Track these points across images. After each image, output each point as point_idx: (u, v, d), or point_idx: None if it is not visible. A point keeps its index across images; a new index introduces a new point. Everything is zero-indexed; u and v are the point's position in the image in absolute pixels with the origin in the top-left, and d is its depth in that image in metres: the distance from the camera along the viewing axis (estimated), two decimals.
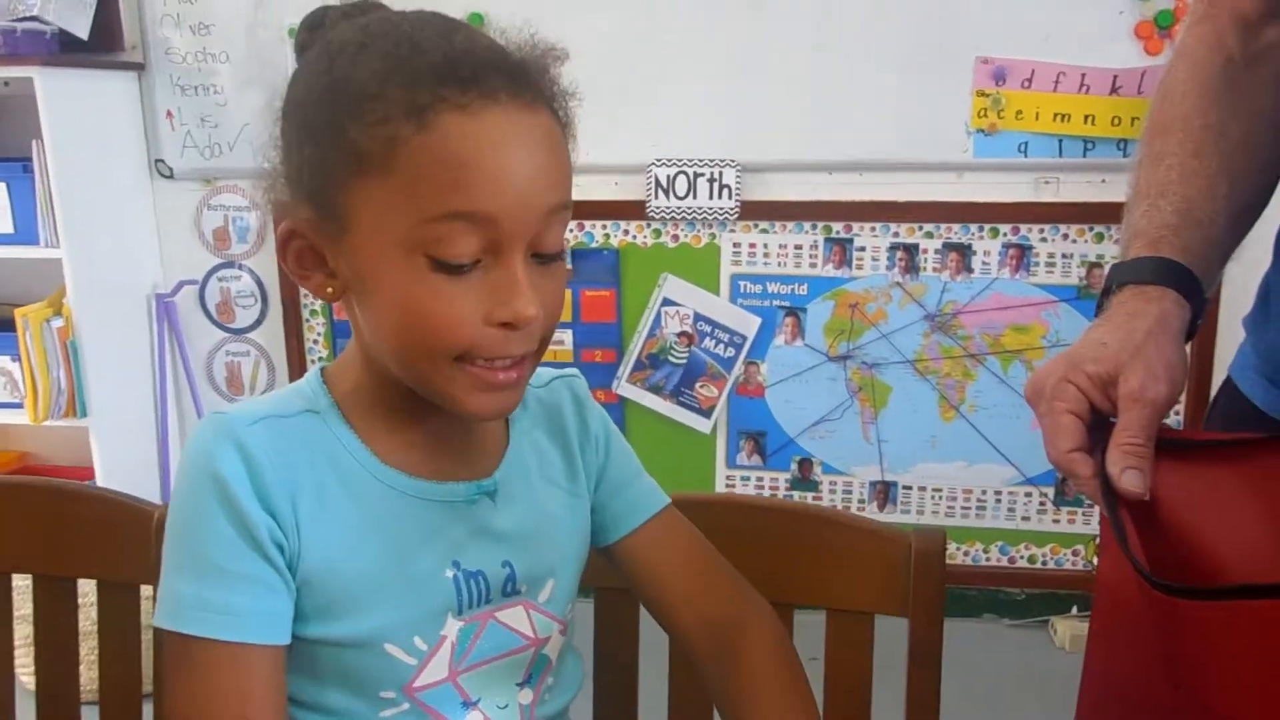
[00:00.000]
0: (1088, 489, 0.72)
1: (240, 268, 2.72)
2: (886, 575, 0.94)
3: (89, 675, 1.11)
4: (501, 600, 0.78)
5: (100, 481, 2.57)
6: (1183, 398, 2.35)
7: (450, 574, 0.75)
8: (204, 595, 0.68)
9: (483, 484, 0.78)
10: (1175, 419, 2.24)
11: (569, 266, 2.51)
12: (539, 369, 0.84)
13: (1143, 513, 0.72)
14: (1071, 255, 2.36)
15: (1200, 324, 0.80)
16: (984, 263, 2.39)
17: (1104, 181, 2.30)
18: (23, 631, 1.11)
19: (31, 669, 1.12)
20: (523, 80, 0.68)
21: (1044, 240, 2.36)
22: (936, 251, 2.40)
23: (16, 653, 1.13)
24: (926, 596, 0.93)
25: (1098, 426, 0.73)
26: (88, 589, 1.10)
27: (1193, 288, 0.78)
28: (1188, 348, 0.77)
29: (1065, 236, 2.36)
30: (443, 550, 0.76)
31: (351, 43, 0.67)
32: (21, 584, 1.11)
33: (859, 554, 0.96)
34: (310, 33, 0.72)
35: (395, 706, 0.75)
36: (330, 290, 0.71)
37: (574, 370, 0.90)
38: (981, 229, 2.38)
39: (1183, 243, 0.80)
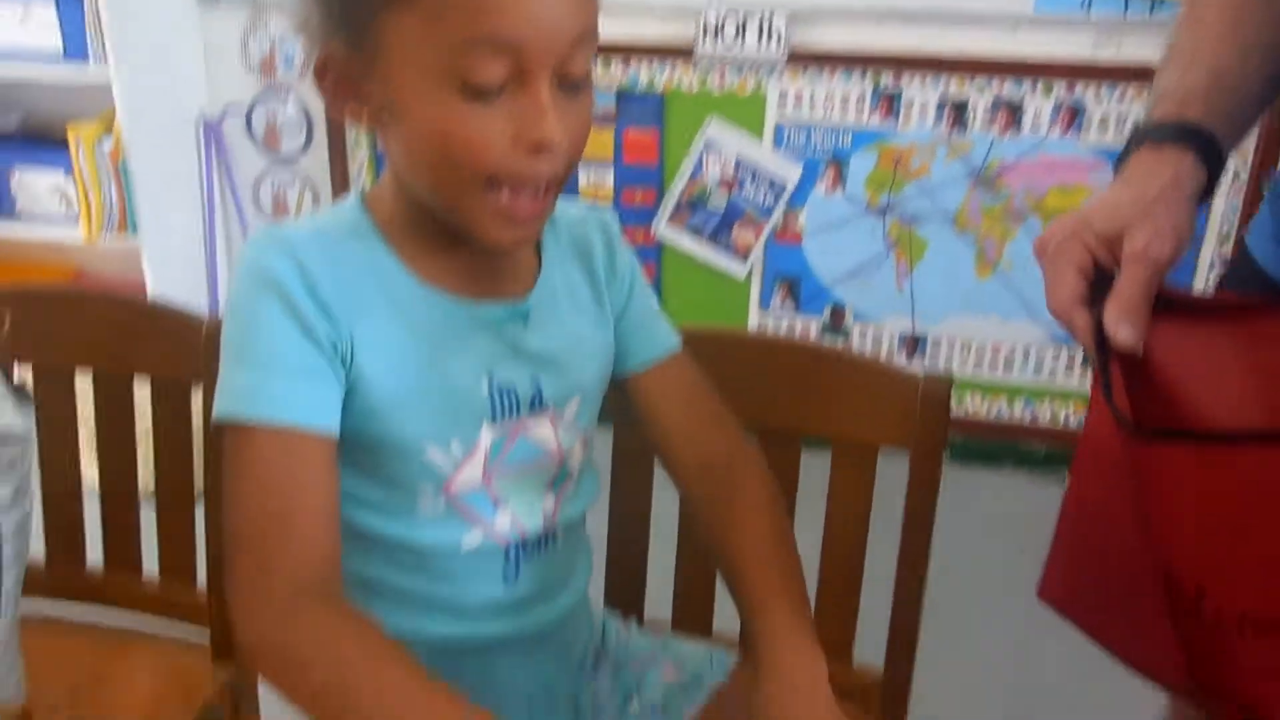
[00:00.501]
0: (1084, 341, 0.75)
1: (286, 95, 2.73)
2: (894, 412, 0.99)
3: (145, 474, 1.20)
4: (530, 414, 0.83)
5: (151, 295, 2.66)
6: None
7: (485, 386, 0.80)
8: (262, 383, 0.73)
9: (516, 306, 0.82)
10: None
11: (613, 108, 2.50)
12: (574, 203, 0.89)
13: (1135, 367, 0.74)
14: (1126, 118, 2.31)
15: (1216, 187, 0.81)
16: (1034, 122, 2.34)
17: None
18: (85, 434, 1.19)
19: (95, 466, 1.20)
20: None
21: (1099, 101, 2.31)
22: (986, 108, 2.36)
23: (81, 454, 1.22)
24: (930, 433, 0.98)
25: (1101, 282, 0.75)
26: (142, 399, 1.17)
27: (1212, 151, 0.78)
28: (1215, 210, 0.78)
29: (1122, 98, 2.30)
30: (478, 364, 0.80)
31: None
32: (83, 388, 1.19)
33: (868, 391, 1.00)
34: None
35: (433, 505, 0.81)
36: (364, 117, 0.74)
37: (606, 208, 0.94)
38: (1035, 86, 2.32)
39: (1208, 107, 0.80)
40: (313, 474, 0.73)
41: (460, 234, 0.76)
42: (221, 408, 0.74)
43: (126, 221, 2.58)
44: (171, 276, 2.70)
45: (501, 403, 0.81)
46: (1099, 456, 0.78)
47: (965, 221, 2.45)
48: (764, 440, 1.05)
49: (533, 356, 0.83)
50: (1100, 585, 0.81)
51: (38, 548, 1.12)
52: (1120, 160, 0.82)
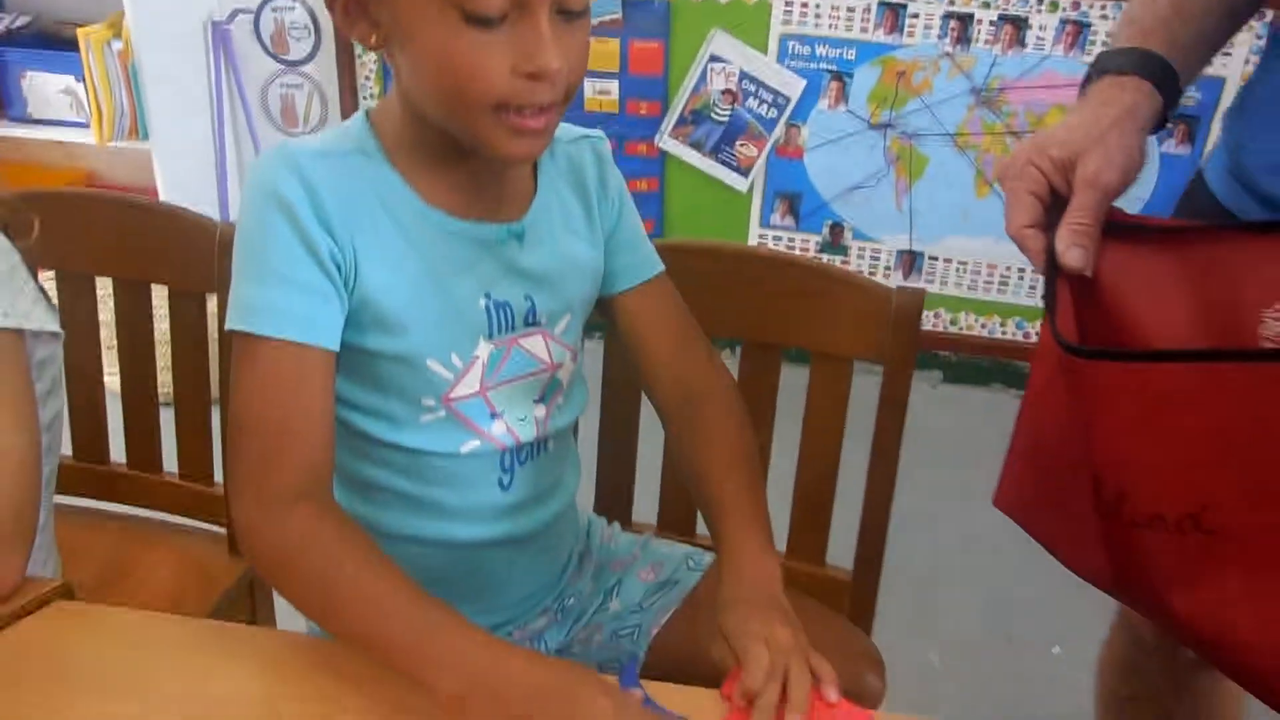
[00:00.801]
0: (1037, 262, 0.80)
1: None
2: (868, 324, 1.04)
3: (164, 380, 1.25)
4: (524, 329, 0.88)
5: (163, 199, 2.70)
6: None
7: (482, 303, 0.85)
8: (269, 299, 0.77)
9: (512, 226, 0.87)
10: None
11: (619, 16, 2.50)
12: (569, 127, 0.93)
13: (1085, 288, 0.80)
14: None
15: (1173, 114, 0.85)
16: (1039, 38, 2.35)
17: None
18: (106, 338, 1.24)
19: (116, 372, 1.26)
20: None
21: (1104, 18, 2.30)
22: (991, 23, 2.35)
23: (104, 359, 1.27)
24: (901, 346, 1.03)
25: (1057, 206, 0.80)
26: (159, 302, 1.22)
27: (1169, 81, 0.82)
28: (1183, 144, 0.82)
29: None
30: (476, 282, 0.85)
31: None
32: (102, 292, 1.24)
33: (845, 304, 1.05)
34: None
35: (434, 413, 0.86)
36: (374, 39, 0.77)
37: (599, 132, 0.97)
38: (1041, 2, 2.32)
39: (1169, 37, 0.83)
40: (310, 387, 0.78)
41: (471, 149, 0.80)
42: (231, 319, 0.79)
43: (137, 125, 2.61)
44: (182, 180, 2.74)
45: (498, 319, 0.86)
46: (1046, 372, 0.84)
47: (965, 140, 2.46)
48: (746, 350, 1.11)
49: (527, 275, 0.88)
50: (1044, 492, 0.87)
51: (65, 448, 1.18)
52: (1084, 85, 0.86)
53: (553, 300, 0.90)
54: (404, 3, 0.73)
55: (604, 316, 0.99)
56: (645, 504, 1.20)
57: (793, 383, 1.11)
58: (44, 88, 2.63)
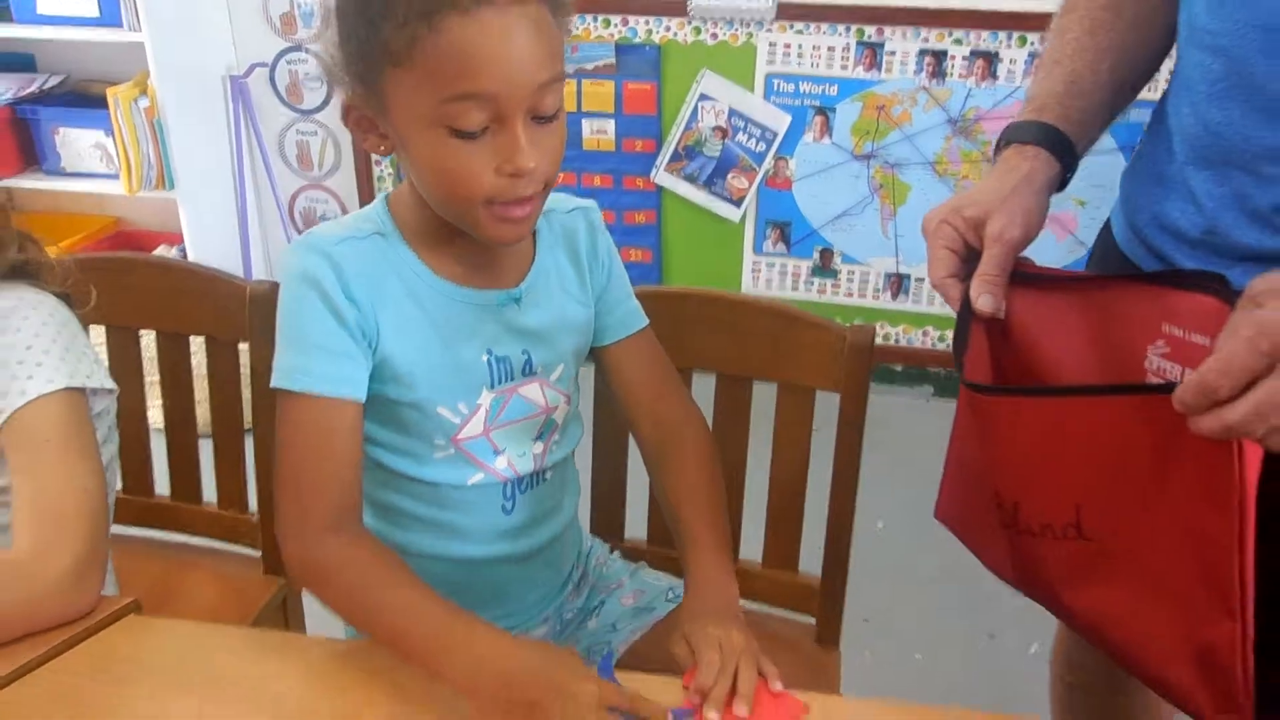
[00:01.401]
0: (954, 307, 0.93)
1: (306, 51, 2.89)
2: (826, 358, 1.17)
3: (202, 413, 1.39)
4: (522, 379, 1.02)
5: (188, 245, 2.86)
6: None
7: (485, 358, 0.99)
8: (306, 364, 0.91)
9: (511, 292, 1.00)
10: None
11: (613, 61, 2.65)
12: (566, 198, 1.07)
13: (998, 330, 0.93)
14: None
15: (1070, 177, 0.98)
16: (1009, 70, 2.48)
17: None
18: (149, 379, 1.39)
19: (159, 405, 1.40)
20: None
21: None
22: (964, 58, 2.49)
23: (147, 397, 1.42)
24: (856, 377, 1.16)
25: (971, 259, 0.93)
26: (197, 347, 1.37)
27: (1064, 149, 0.95)
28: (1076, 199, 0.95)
29: None
30: (480, 341, 0.99)
31: None
32: (145, 342, 1.38)
33: (805, 341, 1.18)
34: None
35: (445, 451, 1.00)
36: (383, 148, 0.91)
37: (591, 202, 1.10)
38: (1010, 36, 2.45)
39: (1064, 110, 0.96)
40: (342, 434, 0.92)
41: (468, 235, 0.94)
42: (276, 380, 0.92)
43: (164, 175, 2.77)
44: (206, 224, 2.90)
45: (499, 371, 1.00)
46: (959, 406, 0.97)
47: (945, 166, 2.60)
48: (721, 383, 1.24)
49: (525, 332, 1.01)
50: (965, 505, 1.01)
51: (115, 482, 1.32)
52: (996, 152, 0.99)
53: (548, 353, 1.03)
54: (400, 124, 0.86)
55: (594, 364, 1.12)
56: (637, 523, 1.33)
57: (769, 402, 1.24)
58: (76, 142, 2.79)
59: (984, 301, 0.89)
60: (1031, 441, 0.85)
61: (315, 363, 0.91)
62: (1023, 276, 0.93)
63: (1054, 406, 0.84)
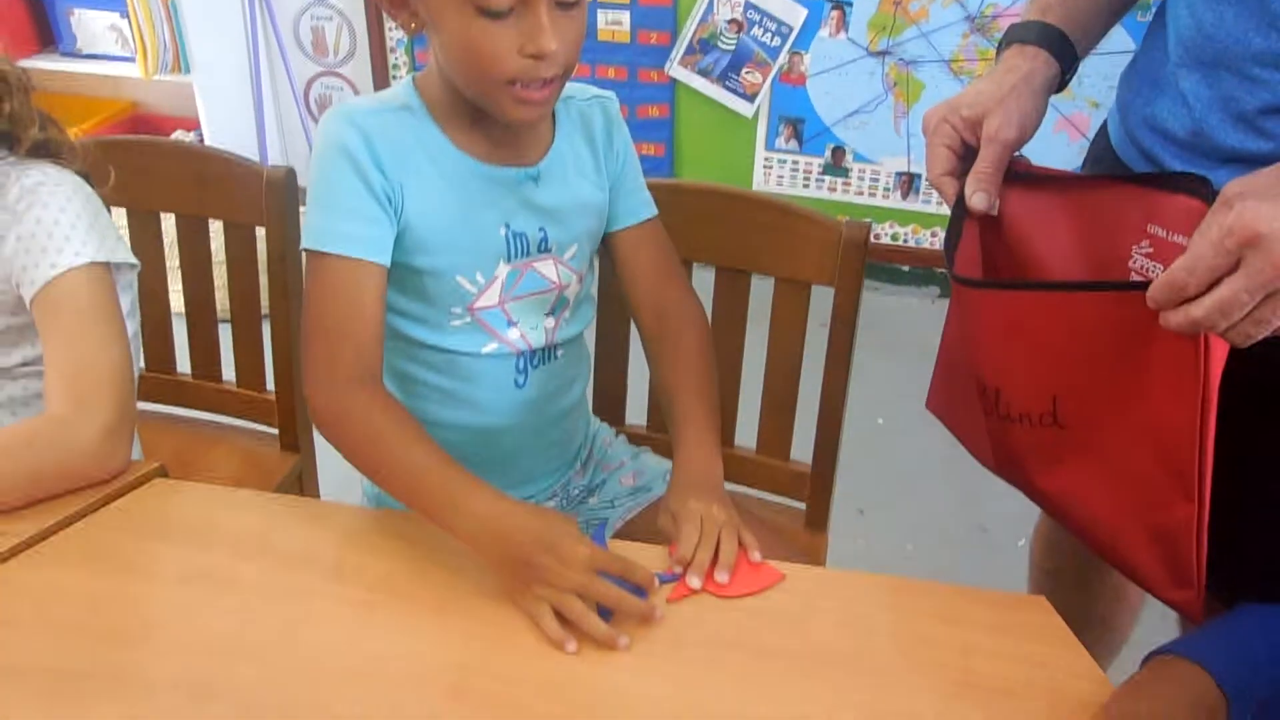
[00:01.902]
0: (949, 203, 0.96)
1: None
2: (822, 253, 1.21)
3: (221, 298, 1.44)
4: (538, 254, 1.06)
5: (204, 130, 2.88)
6: None
7: (502, 231, 1.04)
8: (335, 225, 0.96)
9: (529, 170, 1.04)
10: None
11: None
12: (585, 87, 1.12)
13: (991, 226, 0.97)
14: None
15: (1070, 78, 1.00)
16: None
17: None
18: (170, 264, 1.43)
19: (180, 291, 1.45)
20: None
21: None
22: None
23: (169, 281, 1.46)
24: (850, 271, 1.19)
25: (969, 156, 0.96)
26: (215, 230, 1.41)
27: (1065, 51, 0.97)
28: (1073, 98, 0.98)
29: None
30: (498, 214, 1.03)
31: None
32: (165, 226, 1.43)
33: (804, 236, 1.21)
34: None
35: (461, 319, 1.05)
36: (413, 26, 0.95)
37: (610, 94, 1.14)
38: None
39: (1065, 11, 0.98)
40: (367, 293, 0.98)
41: (490, 114, 0.98)
42: (306, 241, 0.98)
43: (179, 59, 2.77)
44: (221, 109, 2.91)
45: (515, 245, 1.05)
46: (952, 299, 1.01)
47: (960, 65, 2.57)
48: (720, 275, 1.28)
49: (542, 210, 1.06)
50: (952, 394, 1.05)
51: (138, 360, 1.37)
52: (998, 52, 1.01)
53: (563, 232, 1.07)
54: (435, 3, 0.90)
55: (602, 248, 1.17)
56: (637, 410, 1.38)
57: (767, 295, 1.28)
58: (91, 24, 2.79)
59: (977, 199, 0.93)
60: (1013, 334, 0.89)
61: (344, 225, 0.96)
62: (1017, 175, 0.96)
63: (1035, 300, 0.88)
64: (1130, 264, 0.92)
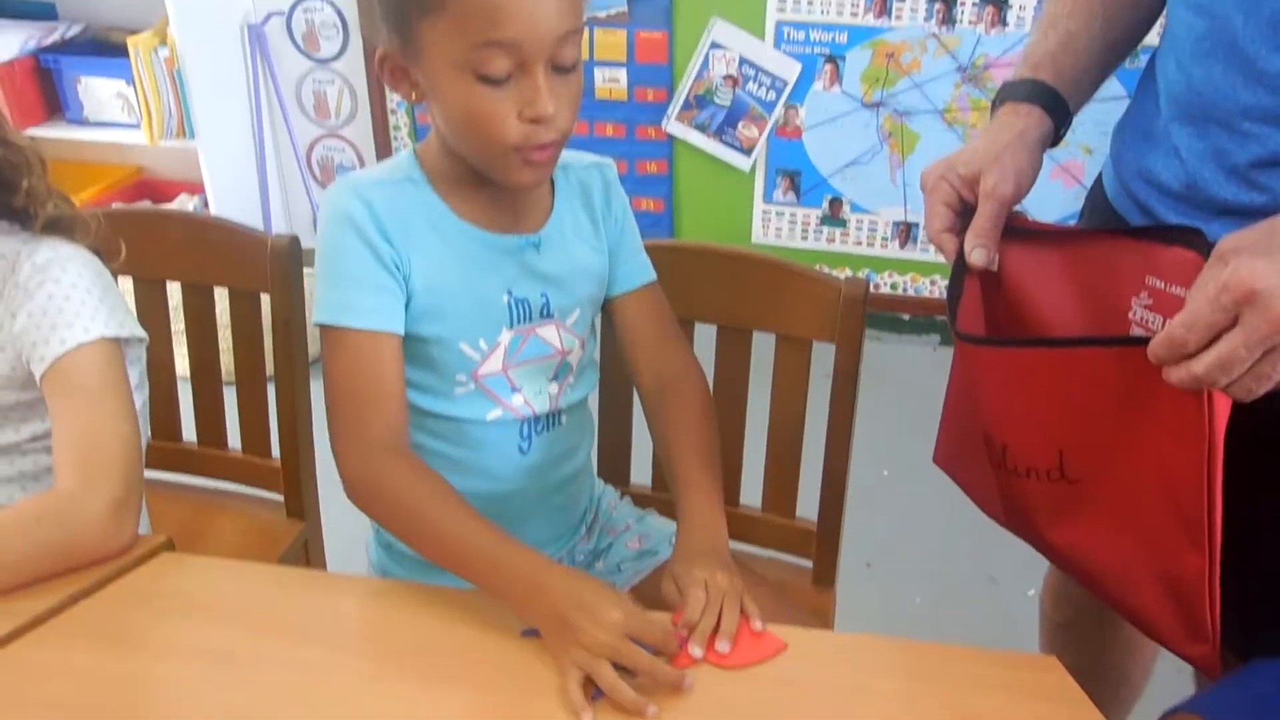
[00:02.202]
0: (949, 260, 0.97)
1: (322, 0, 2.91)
2: (821, 310, 1.21)
3: (225, 361, 1.45)
4: (540, 320, 1.07)
5: (209, 194, 2.90)
6: None
7: (505, 298, 1.05)
8: (349, 299, 0.98)
9: (530, 237, 1.06)
10: None
11: (625, 10, 2.66)
12: (583, 154, 1.13)
13: (992, 282, 0.98)
14: None
15: (1064, 134, 1.02)
16: (1019, 16, 2.48)
17: None
18: (175, 327, 1.44)
19: (185, 355, 1.46)
20: None
21: None
22: (974, 4, 2.49)
23: (174, 346, 1.47)
24: (850, 328, 1.20)
25: (967, 213, 0.97)
26: (220, 296, 1.42)
27: (1058, 106, 0.99)
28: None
29: None
30: (501, 281, 1.05)
31: None
32: (171, 291, 1.44)
33: (803, 294, 1.22)
34: None
35: (465, 386, 1.06)
36: (414, 95, 0.97)
37: (608, 160, 1.16)
38: None
39: (1057, 68, 1.00)
40: (388, 363, 0.99)
41: (491, 180, 1.00)
42: (320, 316, 0.99)
43: (184, 124, 2.81)
44: (226, 172, 2.95)
45: (518, 311, 1.06)
46: (955, 355, 1.02)
47: (954, 115, 2.61)
48: (721, 334, 1.29)
49: (543, 276, 1.07)
50: (960, 449, 1.06)
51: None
52: (993, 109, 1.03)
53: (565, 297, 1.08)
54: (432, 70, 0.92)
55: (603, 313, 1.18)
56: (641, 471, 1.38)
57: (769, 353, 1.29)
58: (97, 91, 2.83)
59: (977, 255, 0.94)
60: (1017, 389, 0.90)
61: (356, 297, 0.98)
62: (1016, 230, 0.97)
63: (1038, 356, 0.89)
64: (1130, 315, 0.93)
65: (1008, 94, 1.01)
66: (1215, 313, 0.73)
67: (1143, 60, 1.06)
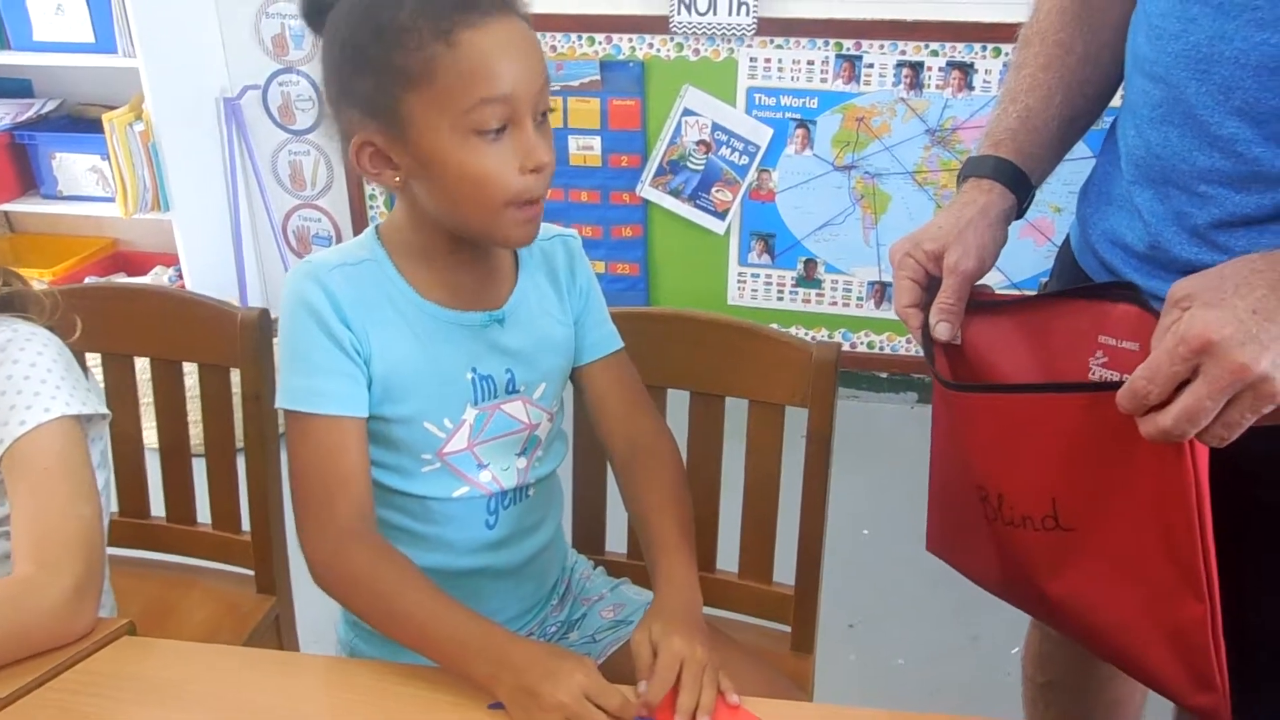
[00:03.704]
0: (916, 335, 0.98)
1: (298, 73, 2.94)
2: (794, 374, 1.21)
3: (195, 433, 1.44)
4: (505, 396, 1.07)
5: (183, 266, 2.91)
6: None
7: (469, 376, 1.04)
8: (310, 384, 0.97)
9: (494, 313, 1.05)
10: None
11: (598, 78, 2.70)
12: (547, 226, 1.12)
13: (956, 353, 0.98)
14: None
15: (1027, 207, 1.03)
16: (985, 81, 2.53)
17: None
18: (144, 399, 1.43)
19: (154, 431, 1.44)
20: (503, 1, 0.92)
21: None
22: (940, 69, 2.54)
23: (143, 419, 1.46)
24: (822, 391, 1.20)
25: (933, 287, 0.98)
26: (190, 369, 1.41)
27: (1020, 182, 1.00)
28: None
29: None
30: (464, 359, 1.04)
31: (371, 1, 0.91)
32: (140, 365, 1.43)
33: (774, 359, 1.22)
34: (320, 14, 0.95)
35: (430, 465, 1.05)
36: (397, 180, 0.96)
37: (572, 231, 1.16)
38: (985, 48, 2.50)
39: (1017, 144, 1.01)
40: (352, 447, 0.99)
41: (462, 255, 1.00)
42: (283, 402, 0.98)
43: (159, 198, 2.82)
44: (201, 245, 2.95)
45: (482, 389, 1.05)
46: (938, 415, 1.02)
47: (924, 176, 2.64)
48: (694, 399, 1.28)
49: (508, 352, 1.06)
50: (951, 517, 1.05)
51: (111, 504, 1.36)
52: (958, 184, 1.04)
53: (530, 371, 1.08)
54: (424, 142, 0.92)
55: (572, 383, 1.17)
56: (617, 538, 1.37)
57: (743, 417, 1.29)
58: (72, 167, 2.84)
59: (941, 329, 0.95)
60: (1007, 437, 0.91)
61: (319, 383, 0.97)
62: (980, 304, 0.98)
63: (1024, 404, 0.89)
64: (1090, 375, 0.94)
65: (970, 170, 1.02)
66: (1175, 364, 0.74)
67: (1108, 121, 1.07)
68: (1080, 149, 1.09)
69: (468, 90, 0.89)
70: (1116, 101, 1.05)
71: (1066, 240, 1.14)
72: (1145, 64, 0.93)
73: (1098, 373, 0.93)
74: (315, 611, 1.40)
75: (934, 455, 1.07)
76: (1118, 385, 0.78)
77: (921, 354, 0.99)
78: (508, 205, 0.94)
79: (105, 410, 1.10)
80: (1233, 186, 0.86)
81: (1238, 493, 0.83)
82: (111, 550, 1.24)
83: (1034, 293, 1.07)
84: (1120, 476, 0.84)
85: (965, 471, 0.99)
